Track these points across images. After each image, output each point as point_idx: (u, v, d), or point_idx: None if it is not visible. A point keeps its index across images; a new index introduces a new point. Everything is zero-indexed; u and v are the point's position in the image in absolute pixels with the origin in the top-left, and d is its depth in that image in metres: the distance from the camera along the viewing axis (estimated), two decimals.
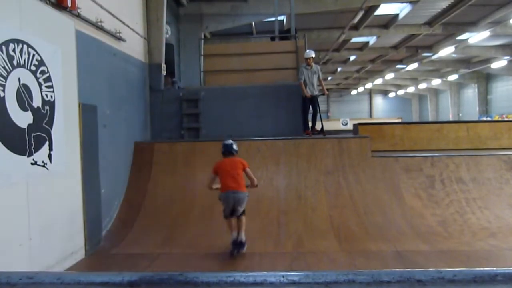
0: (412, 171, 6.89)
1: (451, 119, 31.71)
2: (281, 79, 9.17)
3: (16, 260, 3.94)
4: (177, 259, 5.23)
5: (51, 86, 4.56)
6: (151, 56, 8.46)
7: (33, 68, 4.25)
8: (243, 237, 5.22)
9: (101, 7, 6.19)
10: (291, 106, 8.69)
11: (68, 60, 4.97)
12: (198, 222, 6.24)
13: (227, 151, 5.38)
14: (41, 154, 4.33)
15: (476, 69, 26.81)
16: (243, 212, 5.22)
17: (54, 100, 4.60)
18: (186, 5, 12.46)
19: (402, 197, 6.56)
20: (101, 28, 6.11)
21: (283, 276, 1.22)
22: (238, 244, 5.17)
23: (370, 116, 43.90)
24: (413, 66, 26.11)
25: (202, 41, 11.92)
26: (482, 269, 1.21)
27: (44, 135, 4.40)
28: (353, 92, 43.41)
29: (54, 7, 4.83)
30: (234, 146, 5.42)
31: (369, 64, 27.70)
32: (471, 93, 32.22)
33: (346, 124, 31.88)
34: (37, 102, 4.29)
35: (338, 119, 35.80)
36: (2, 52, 3.81)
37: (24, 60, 4.12)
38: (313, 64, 8.51)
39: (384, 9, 15.53)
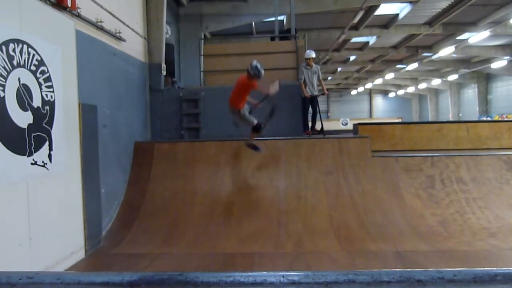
0: (412, 171, 6.89)
1: (451, 119, 31.70)
2: (281, 79, 9.15)
3: (16, 260, 3.94)
4: (177, 259, 5.23)
5: (51, 86, 4.56)
6: (151, 56, 8.47)
7: (33, 68, 4.25)
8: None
9: (101, 7, 6.19)
10: (291, 106, 8.69)
11: (68, 60, 4.97)
12: (198, 222, 6.24)
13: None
14: (41, 154, 4.33)
15: (476, 69, 26.80)
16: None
17: (54, 100, 4.60)
18: (186, 5, 12.46)
19: (402, 197, 6.56)
20: (101, 28, 6.12)
21: (283, 276, 1.22)
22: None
23: (370, 116, 43.90)
24: (413, 66, 26.09)
25: (202, 41, 11.92)
26: (482, 269, 1.21)
27: (44, 135, 4.40)
28: (353, 92, 43.41)
29: (54, 7, 4.83)
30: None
31: (369, 64, 27.70)
32: (471, 93, 32.23)
33: (346, 124, 31.85)
34: (37, 102, 4.29)
35: (338, 119, 35.78)
36: (2, 52, 3.80)
37: (24, 60, 4.12)
38: (313, 64, 8.54)
39: (384, 9, 15.52)
